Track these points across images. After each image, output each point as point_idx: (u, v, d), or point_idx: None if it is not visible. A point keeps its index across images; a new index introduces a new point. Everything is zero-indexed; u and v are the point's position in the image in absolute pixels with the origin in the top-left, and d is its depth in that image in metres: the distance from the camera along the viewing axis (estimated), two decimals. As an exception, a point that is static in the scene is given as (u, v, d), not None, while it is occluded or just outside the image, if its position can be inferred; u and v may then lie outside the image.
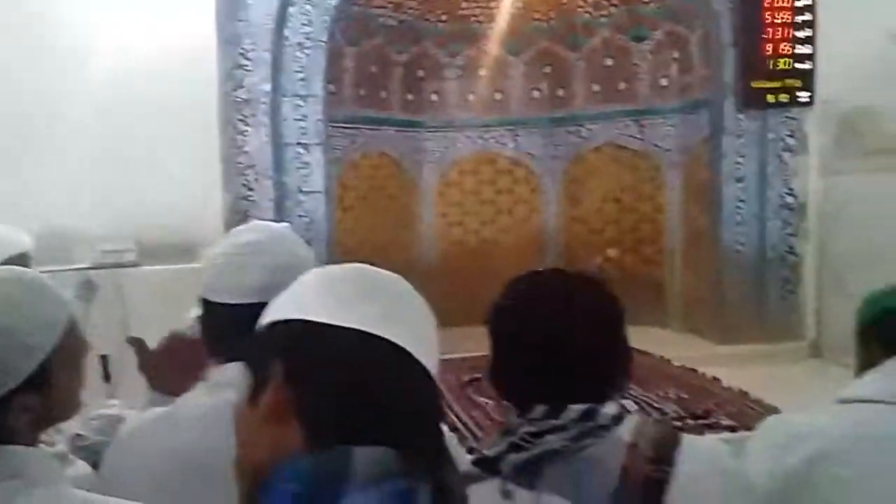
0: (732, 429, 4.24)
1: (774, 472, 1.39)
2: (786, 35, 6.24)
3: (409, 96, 7.71)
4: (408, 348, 0.87)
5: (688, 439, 1.23)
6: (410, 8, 7.38)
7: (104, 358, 4.77)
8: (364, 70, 7.20)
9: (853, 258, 5.63)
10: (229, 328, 1.43)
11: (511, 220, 8.06)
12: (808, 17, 6.20)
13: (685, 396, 4.99)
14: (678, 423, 4.37)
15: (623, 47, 7.57)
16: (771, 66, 6.25)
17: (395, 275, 0.96)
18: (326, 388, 0.86)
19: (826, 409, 1.52)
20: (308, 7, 6.05)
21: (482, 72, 7.87)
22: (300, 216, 6.13)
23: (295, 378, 0.86)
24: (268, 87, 5.87)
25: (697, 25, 6.83)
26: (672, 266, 7.48)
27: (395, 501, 0.79)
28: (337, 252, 6.46)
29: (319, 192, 6.23)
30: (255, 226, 1.63)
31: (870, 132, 5.91)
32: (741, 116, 6.42)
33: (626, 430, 1.19)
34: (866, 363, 1.56)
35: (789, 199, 6.45)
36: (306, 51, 6.11)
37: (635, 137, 7.60)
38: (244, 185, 5.80)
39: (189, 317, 1.73)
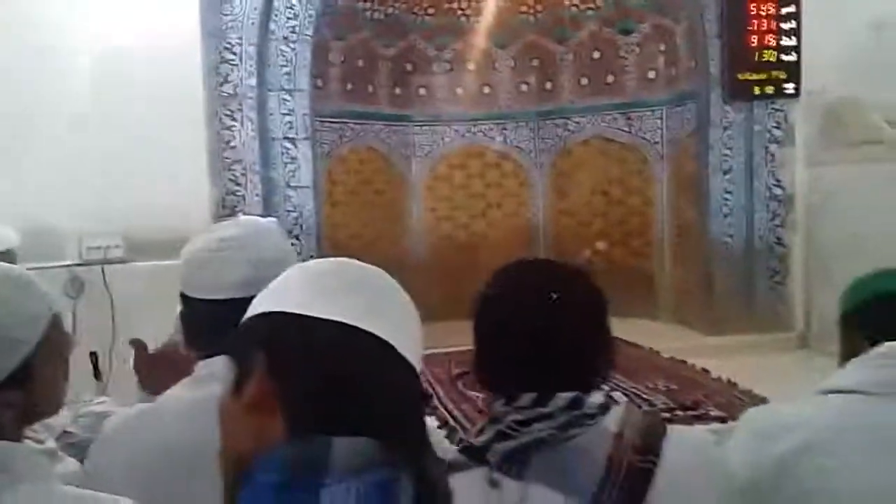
0: (721, 419, 4.27)
1: (756, 463, 1.39)
2: (771, 27, 6.26)
3: (397, 90, 7.70)
4: (390, 341, 0.88)
5: (674, 430, 1.24)
6: (397, 1, 7.36)
7: (94, 355, 4.78)
8: (351, 64, 7.18)
9: (840, 248, 5.67)
10: (211, 323, 1.42)
11: (500, 213, 8.06)
12: (792, 8, 6.23)
13: (674, 387, 5.02)
14: (667, 414, 4.40)
15: (610, 40, 7.58)
16: (756, 58, 6.27)
17: (379, 269, 0.97)
18: (308, 378, 0.86)
19: (808, 400, 1.51)
20: (293, 1, 6.03)
21: (470, 65, 7.87)
22: (288, 211, 6.12)
23: (278, 369, 0.86)
24: (254, 81, 5.84)
25: (683, 18, 6.84)
26: (661, 258, 7.50)
27: (376, 492, 0.79)
28: (326, 247, 6.45)
29: (307, 186, 6.22)
30: (234, 221, 1.62)
31: (855, 123, 5.93)
32: (728, 108, 6.44)
33: (612, 420, 1.19)
34: (849, 352, 1.55)
35: (776, 191, 6.48)
36: (292, 45, 6.08)
37: (623, 130, 7.61)
38: (231, 180, 5.78)
39: (177, 315, 1.73)
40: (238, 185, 5.81)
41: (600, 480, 1.13)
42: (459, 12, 7.72)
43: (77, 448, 1.79)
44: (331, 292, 0.90)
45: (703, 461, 1.23)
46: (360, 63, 7.30)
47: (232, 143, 5.78)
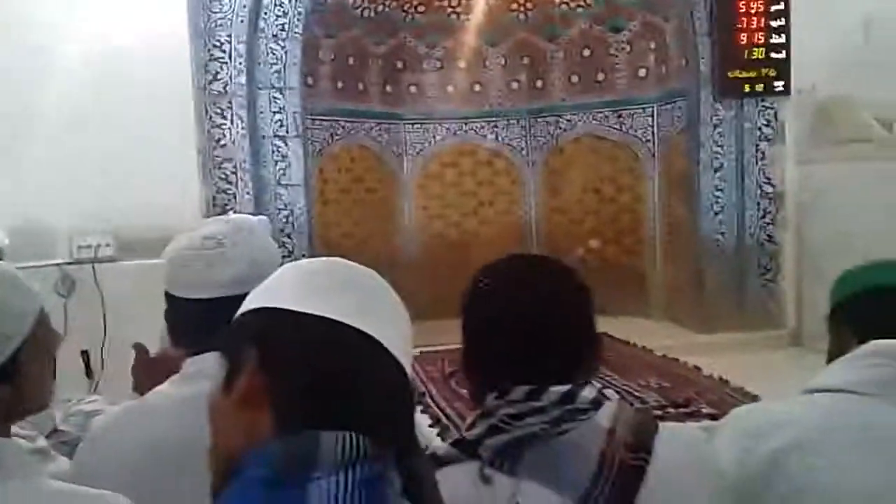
0: (713, 417, 4.27)
1: (744, 462, 1.38)
2: (760, 25, 6.28)
3: (388, 88, 7.69)
4: (379, 338, 0.89)
5: (666, 427, 1.24)
6: (388, -1, 7.36)
7: (85, 353, 4.77)
8: (342, 62, 7.17)
9: (830, 246, 5.69)
10: (196, 322, 1.42)
11: (492, 211, 8.07)
12: (781, 6, 6.24)
13: (666, 385, 5.02)
14: (659, 412, 4.41)
15: (600, 38, 7.59)
16: (746, 56, 6.29)
17: (369, 269, 0.99)
18: (299, 374, 0.87)
19: (795, 399, 1.50)
20: (283, -2, 6.02)
21: (461, 63, 7.87)
22: (279, 209, 6.11)
23: (269, 364, 0.87)
24: (243, 79, 5.83)
25: (673, 16, 6.86)
26: (652, 256, 7.52)
27: (364, 487, 0.79)
28: (317, 245, 6.45)
29: (298, 185, 6.20)
30: (217, 219, 1.62)
31: (845, 121, 5.96)
32: (718, 106, 6.45)
33: (604, 416, 1.20)
34: (837, 347, 1.53)
35: (767, 188, 6.50)
36: (282, 42, 6.07)
37: (614, 128, 7.62)
38: (222, 178, 5.77)
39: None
40: (229, 183, 5.80)
41: (592, 476, 1.13)
42: (450, 10, 7.72)
43: (68, 447, 1.78)
44: (322, 290, 0.91)
45: (694, 458, 1.23)
46: (351, 61, 7.29)
47: (222, 142, 5.76)
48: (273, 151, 6.10)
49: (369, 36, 7.38)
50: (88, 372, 4.81)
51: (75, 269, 4.88)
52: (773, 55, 6.27)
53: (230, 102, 5.78)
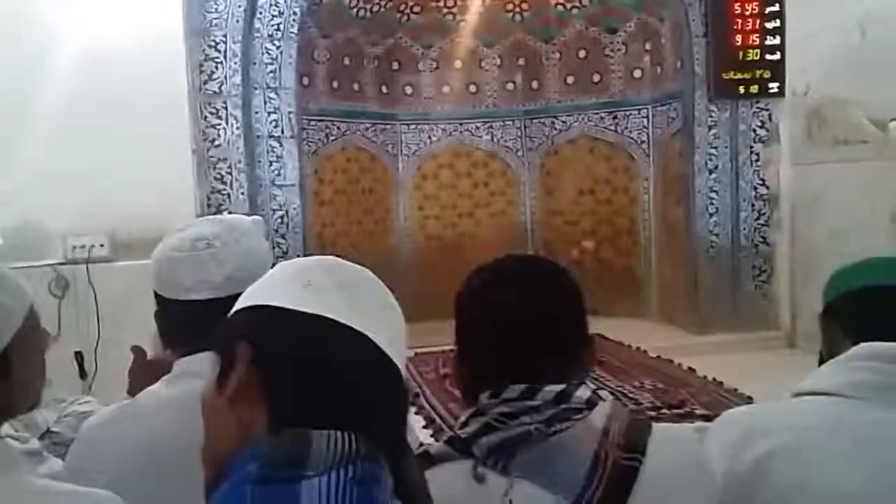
0: (707, 418, 4.28)
1: (732, 467, 1.37)
2: (755, 26, 6.29)
3: (384, 89, 7.69)
4: (371, 336, 0.89)
5: (659, 428, 1.24)
6: None
7: (79, 354, 4.76)
8: (337, 62, 7.17)
9: (825, 247, 5.70)
10: (187, 324, 1.42)
11: (487, 212, 8.07)
12: (776, 7, 6.26)
13: (661, 386, 5.03)
14: (653, 413, 4.42)
15: (596, 39, 7.59)
16: (741, 58, 6.30)
17: (362, 267, 0.99)
18: (290, 371, 0.87)
19: (784, 402, 1.48)
20: (278, -1, 6.01)
21: (456, 64, 7.88)
22: (274, 210, 6.10)
23: (260, 361, 0.87)
24: (238, 79, 5.82)
25: (668, 17, 6.87)
26: (647, 257, 7.53)
27: (355, 486, 0.79)
28: (312, 245, 6.44)
29: (293, 185, 6.20)
30: (205, 219, 1.59)
31: (839, 122, 5.97)
32: (713, 107, 6.47)
33: (598, 416, 1.19)
34: (829, 348, 1.51)
35: (762, 190, 6.51)
36: (277, 43, 6.06)
37: (609, 129, 7.63)
38: (217, 178, 5.76)
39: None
40: (223, 183, 5.79)
41: (585, 476, 1.13)
42: (445, 11, 7.73)
43: (61, 448, 1.78)
44: (314, 288, 0.91)
45: (687, 459, 1.23)
46: (347, 61, 7.28)
47: (217, 142, 5.75)
48: (268, 152, 6.10)
49: (365, 36, 7.38)
50: (82, 373, 4.79)
51: (69, 270, 4.87)
52: (768, 57, 6.29)
53: (225, 102, 5.77)
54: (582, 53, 7.70)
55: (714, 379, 5.12)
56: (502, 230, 7.98)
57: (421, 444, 1.31)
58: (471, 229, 8.01)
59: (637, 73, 7.45)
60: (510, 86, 7.98)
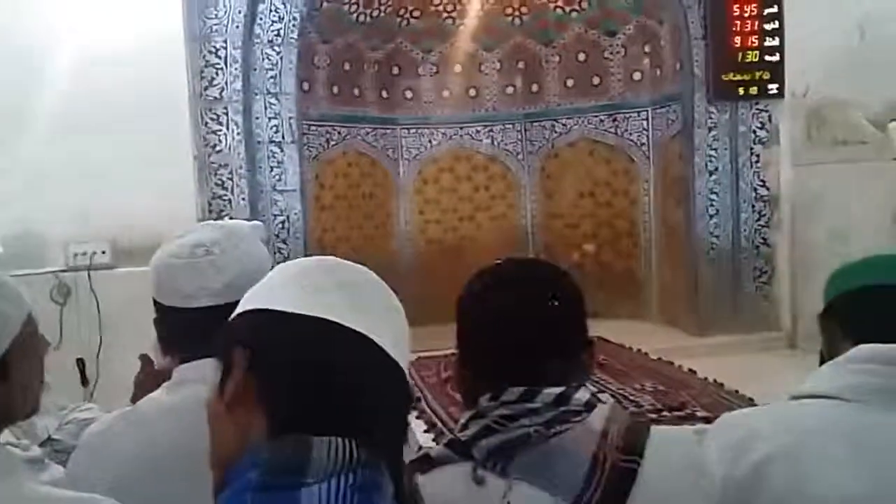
0: (708, 420, 4.26)
1: (731, 471, 1.36)
2: (754, 28, 6.29)
3: (384, 93, 7.70)
4: (372, 337, 0.87)
5: (658, 430, 1.24)
6: (382, 4, 7.36)
7: (80, 361, 4.76)
8: (337, 67, 7.18)
9: (825, 248, 5.70)
10: (186, 331, 1.42)
11: (488, 216, 8.07)
12: (774, 9, 6.26)
13: (661, 388, 5.02)
14: (654, 416, 4.41)
15: (595, 42, 7.60)
16: (740, 59, 6.30)
17: (362, 266, 0.97)
18: (288, 375, 0.86)
19: (782, 405, 1.47)
20: (278, 4, 6.02)
21: (456, 68, 7.88)
22: (275, 215, 6.11)
23: (258, 366, 0.86)
24: (239, 85, 5.83)
25: (667, 19, 6.87)
26: (648, 259, 7.53)
27: (356, 494, 0.79)
28: (313, 250, 6.44)
29: (294, 190, 6.21)
30: (203, 225, 1.58)
31: (839, 123, 5.97)
32: (712, 109, 6.46)
33: (597, 419, 1.20)
34: (829, 349, 1.50)
35: (762, 191, 6.51)
36: (277, 48, 6.07)
37: (609, 132, 7.63)
38: (218, 184, 5.76)
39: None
40: (224, 189, 5.79)
41: (584, 478, 1.13)
42: (445, 15, 7.73)
43: (63, 455, 1.78)
44: (312, 289, 0.90)
45: (686, 462, 1.23)
46: (347, 66, 7.29)
47: (218, 148, 5.76)
48: (269, 157, 6.11)
49: (365, 41, 7.39)
50: (84, 380, 4.80)
51: (71, 277, 4.88)
52: (767, 58, 6.29)
53: (226, 108, 5.78)
54: (581, 56, 7.71)
55: (715, 381, 5.11)
56: (503, 233, 7.98)
57: (420, 448, 1.31)
58: (471, 233, 8.01)
59: (636, 76, 7.45)
60: (510, 89, 7.99)
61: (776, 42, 6.27)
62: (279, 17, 6.05)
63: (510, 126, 7.97)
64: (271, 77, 6.08)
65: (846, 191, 5.77)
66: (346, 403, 0.85)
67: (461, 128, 7.94)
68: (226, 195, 5.79)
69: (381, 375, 0.89)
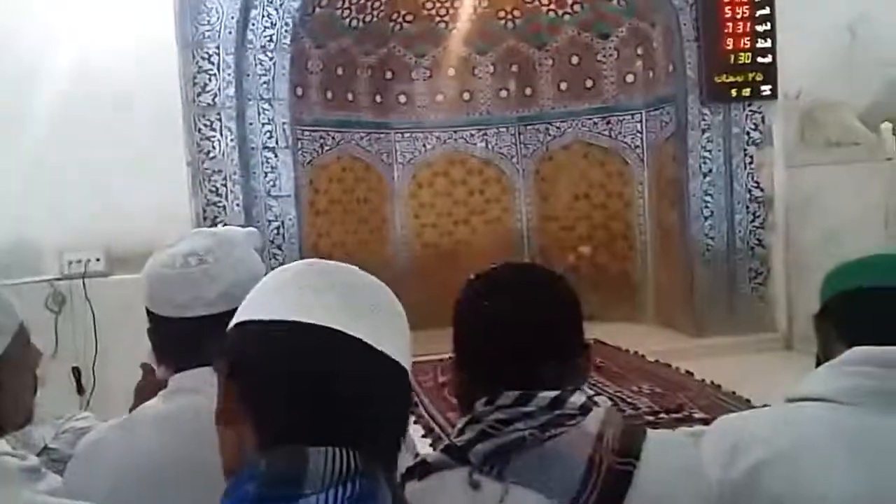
0: (705, 422, 4.27)
1: (725, 477, 1.35)
2: (746, 29, 6.31)
3: (377, 98, 7.70)
4: (364, 338, 0.85)
5: (654, 433, 1.24)
6: (375, 9, 7.36)
7: (76, 370, 4.75)
8: (330, 72, 7.17)
9: (819, 248, 5.71)
10: (180, 341, 1.41)
11: (483, 219, 8.07)
12: (766, 11, 6.27)
13: (659, 391, 5.03)
14: (651, 418, 4.41)
15: (588, 45, 7.61)
16: (733, 61, 6.31)
17: (350, 266, 0.95)
18: (270, 385, 0.84)
19: (778, 408, 1.47)
20: (270, 10, 6.02)
21: (450, 72, 7.89)
22: (269, 221, 6.10)
23: (238, 378, 0.85)
24: (232, 91, 5.82)
25: (659, 21, 6.89)
26: (643, 261, 7.54)
27: (354, 503, 0.78)
28: (308, 256, 6.42)
29: (288, 195, 6.20)
30: (195, 233, 1.56)
31: (832, 124, 5.99)
32: (705, 111, 6.47)
33: (592, 422, 1.20)
34: (823, 351, 1.49)
35: (756, 192, 6.52)
36: (270, 54, 6.07)
37: (603, 134, 7.65)
38: (212, 190, 5.76)
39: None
40: (219, 195, 5.79)
41: (580, 481, 1.13)
42: (438, 19, 7.74)
43: (60, 464, 1.77)
44: (297, 294, 0.88)
45: (682, 465, 1.24)
46: (340, 71, 7.29)
47: (212, 154, 5.75)
48: (263, 163, 6.10)
49: (358, 46, 7.39)
50: (79, 388, 4.78)
51: (66, 285, 4.87)
52: (760, 59, 6.30)
53: (219, 114, 5.77)
54: (575, 59, 7.72)
55: (712, 382, 5.12)
56: (498, 237, 7.98)
57: (417, 455, 1.31)
58: (467, 237, 8.01)
59: (630, 78, 7.47)
60: (503, 93, 8.00)
61: (768, 44, 6.29)
62: (272, 22, 6.05)
63: (504, 129, 7.98)
64: (264, 82, 6.08)
65: (840, 191, 5.78)
66: (337, 410, 0.83)
67: (455, 131, 7.94)
68: (220, 201, 5.79)
69: (375, 376, 0.86)
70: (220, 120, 5.78)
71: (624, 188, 7.64)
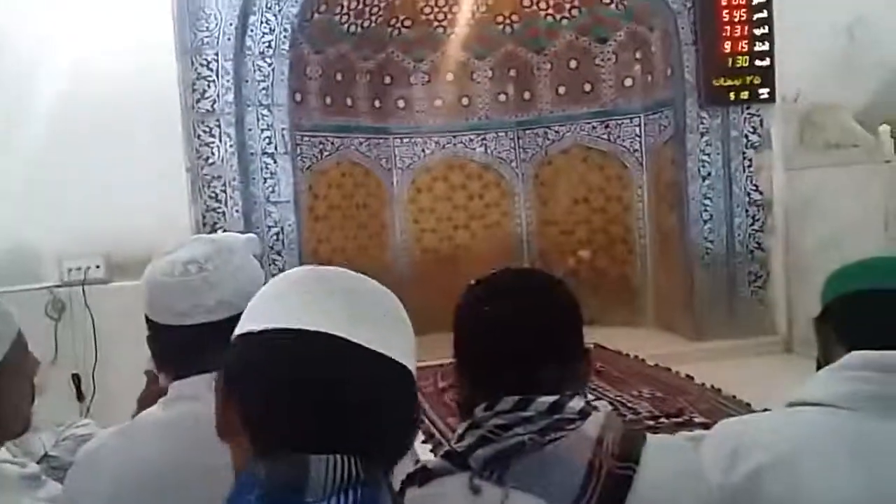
0: (705, 426, 4.26)
1: (725, 482, 1.35)
2: (744, 33, 6.31)
3: (376, 103, 7.70)
4: (364, 343, 0.84)
5: (654, 437, 1.25)
6: (374, 14, 7.37)
7: (76, 377, 4.74)
8: (329, 78, 7.18)
9: (819, 252, 5.71)
10: (180, 348, 1.41)
11: (482, 224, 8.07)
12: (764, 14, 6.28)
13: (659, 395, 5.01)
14: (651, 422, 4.40)
15: (586, 49, 7.62)
16: (731, 64, 6.31)
17: (346, 271, 0.95)
18: (258, 395, 0.84)
19: (778, 413, 1.47)
20: (269, 16, 6.03)
21: (448, 77, 7.89)
22: (269, 227, 6.11)
23: (231, 389, 0.85)
24: (231, 97, 5.83)
25: (657, 25, 6.89)
26: (643, 265, 7.53)
27: None
28: (308, 262, 6.43)
29: (288, 201, 6.21)
30: (194, 240, 1.55)
31: (831, 126, 5.99)
32: (704, 114, 6.48)
33: (592, 426, 1.20)
34: (824, 355, 1.50)
35: (755, 196, 6.52)
36: (268, 60, 6.08)
37: (602, 138, 7.65)
38: (211, 196, 5.76)
39: None
40: (218, 201, 5.79)
41: (580, 486, 1.13)
42: (436, 24, 7.75)
43: (60, 472, 1.77)
44: (289, 302, 0.88)
45: (682, 469, 1.24)
46: (339, 76, 7.30)
47: (211, 160, 5.76)
48: (262, 168, 6.11)
49: (356, 51, 7.40)
50: (79, 395, 4.78)
51: (65, 292, 4.87)
52: (758, 62, 6.31)
53: (218, 120, 5.78)
54: (573, 63, 7.73)
55: (712, 386, 5.11)
56: (498, 241, 7.98)
57: (417, 461, 1.31)
58: (466, 241, 8.01)
59: (628, 82, 7.47)
60: (502, 97, 8.00)
61: (766, 47, 6.29)
62: (270, 28, 6.06)
63: (503, 134, 7.98)
64: (263, 88, 6.08)
65: (839, 194, 5.78)
66: (334, 417, 0.82)
67: (454, 136, 7.94)
68: (219, 207, 5.79)
69: (375, 381, 0.86)
70: (219, 126, 5.79)
71: (623, 192, 7.64)
